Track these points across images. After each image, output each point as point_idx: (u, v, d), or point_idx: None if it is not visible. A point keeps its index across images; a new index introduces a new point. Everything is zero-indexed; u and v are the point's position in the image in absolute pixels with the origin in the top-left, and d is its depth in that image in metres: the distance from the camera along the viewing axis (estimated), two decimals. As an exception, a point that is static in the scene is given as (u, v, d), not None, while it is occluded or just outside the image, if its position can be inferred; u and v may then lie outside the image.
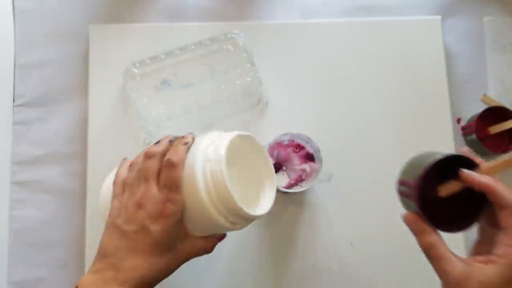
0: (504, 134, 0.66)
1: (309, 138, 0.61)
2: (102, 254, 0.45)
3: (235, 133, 0.48)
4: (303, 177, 0.62)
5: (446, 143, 0.67)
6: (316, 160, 0.62)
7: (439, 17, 0.70)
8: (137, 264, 0.44)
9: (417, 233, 0.42)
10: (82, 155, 0.65)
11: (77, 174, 0.66)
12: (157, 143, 0.49)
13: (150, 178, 0.46)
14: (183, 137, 0.48)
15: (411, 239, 0.65)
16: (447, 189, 0.42)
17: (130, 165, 0.49)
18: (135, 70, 0.64)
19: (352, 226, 0.65)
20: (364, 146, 0.66)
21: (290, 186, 0.62)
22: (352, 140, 0.67)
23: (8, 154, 0.66)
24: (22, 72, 0.68)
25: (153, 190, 0.45)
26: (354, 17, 0.71)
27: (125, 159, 0.53)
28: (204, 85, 0.64)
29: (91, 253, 0.62)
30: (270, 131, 0.64)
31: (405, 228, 0.64)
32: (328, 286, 0.63)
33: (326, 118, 0.67)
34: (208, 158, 0.45)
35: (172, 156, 0.46)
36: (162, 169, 0.46)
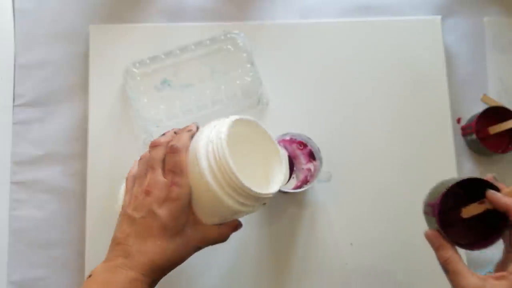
0: (504, 134, 0.66)
1: (309, 138, 0.61)
2: (114, 244, 0.47)
3: (235, 116, 0.49)
4: (308, 178, 0.62)
5: (446, 143, 0.67)
6: (316, 159, 0.62)
7: (439, 17, 0.70)
8: (146, 248, 0.45)
9: (436, 248, 0.45)
10: (82, 155, 0.65)
11: (77, 174, 0.66)
12: (163, 135, 0.50)
13: (156, 166, 0.47)
14: (187, 126, 0.50)
15: (411, 239, 0.66)
16: (470, 210, 0.46)
17: (139, 160, 0.50)
18: (135, 70, 0.64)
19: (352, 226, 0.64)
20: (364, 146, 0.66)
21: (295, 188, 0.62)
22: (352, 140, 0.67)
23: (8, 154, 0.66)
24: (22, 72, 0.68)
25: (159, 176, 0.46)
26: (354, 17, 0.71)
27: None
28: (204, 85, 0.64)
29: (91, 253, 0.62)
30: (270, 131, 0.64)
31: (405, 229, 0.64)
32: (328, 286, 0.63)
33: (326, 118, 0.67)
34: (210, 139, 0.46)
35: (175, 142, 0.47)
36: (166, 155, 0.47)
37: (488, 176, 0.46)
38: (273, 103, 0.67)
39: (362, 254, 0.64)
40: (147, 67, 0.64)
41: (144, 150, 0.58)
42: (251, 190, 0.46)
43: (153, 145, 0.49)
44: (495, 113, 0.66)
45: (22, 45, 0.68)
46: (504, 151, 0.66)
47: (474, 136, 0.65)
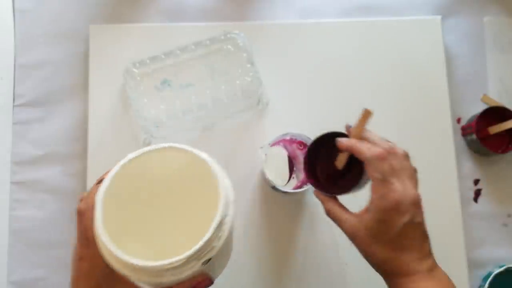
0: (504, 134, 0.66)
1: (309, 138, 0.61)
2: None
3: (134, 153, 0.39)
4: None
5: (446, 143, 0.67)
6: (316, 160, 0.62)
7: (439, 17, 0.70)
8: None
9: (321, 203, 0.50)
10: (82, 155, 0.65)
11: (77, 174, 0.65)
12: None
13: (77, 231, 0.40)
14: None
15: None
16: (339, 161, 0.50)
17: None
18: (135, 70, 0.64)
19: (352, 226, 0.64)
20: (364, 146, 0.66)
21: (295, 188, 0.62)
22: (352, 140, 0.67)
23: (8, 154, 0.66)
24: (22, 72, 0.68)
25: (75, 246, 0.40)
26: (354, 17, 0.71)
27: None
28: (204, 85, 0.64)
29: (91, 253, 0.62)
30: (270, 131, 0.64)
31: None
32: (328, 286, 0.63)
33: (326, 118, 0.67)
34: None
35: (81, 203, 0.39)
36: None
37: (347, 128, 0.50)
38: (273, 103, 0.67)
39: (362, 254, 0.64)
40: (147, 67, 0.64)
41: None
42: (134, 264, 0.34)
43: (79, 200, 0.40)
44: (495, 113, 0.66)
45: (22, 45, 0.68)
46: (504, 151, 0.66)
47: (474, 136, 0.65)
